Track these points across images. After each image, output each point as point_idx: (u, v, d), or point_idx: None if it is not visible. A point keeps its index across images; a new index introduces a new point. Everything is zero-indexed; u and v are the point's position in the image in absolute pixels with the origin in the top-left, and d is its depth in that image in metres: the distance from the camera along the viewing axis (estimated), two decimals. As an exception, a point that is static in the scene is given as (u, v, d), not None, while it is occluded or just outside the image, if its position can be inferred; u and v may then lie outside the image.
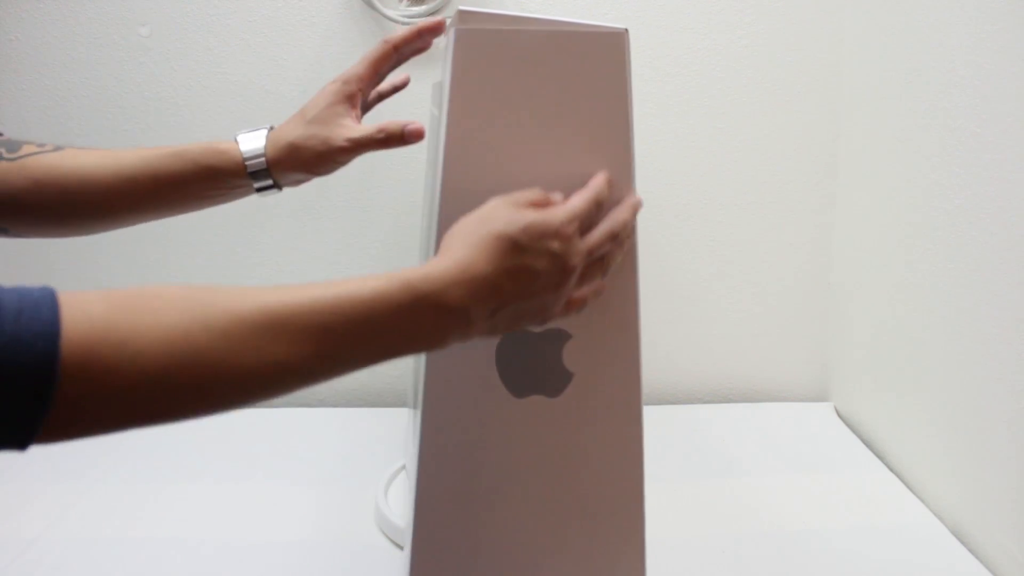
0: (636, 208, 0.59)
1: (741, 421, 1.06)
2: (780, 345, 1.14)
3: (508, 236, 0.49)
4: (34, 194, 0.60)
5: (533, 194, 0.54)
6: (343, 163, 0.63)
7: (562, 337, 0.61)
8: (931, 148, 0.86)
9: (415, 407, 0.71)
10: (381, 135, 0.59)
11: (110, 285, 1.16)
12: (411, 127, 0.58)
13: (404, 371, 1.09)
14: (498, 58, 0.57)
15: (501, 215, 0.51)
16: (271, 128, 0.65)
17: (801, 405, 1.12)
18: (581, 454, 0.62)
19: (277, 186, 0.65)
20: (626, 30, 0.58)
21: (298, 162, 0.62)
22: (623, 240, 0.58)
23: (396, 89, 0.72)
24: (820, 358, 1.14)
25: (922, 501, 0.87)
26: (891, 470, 0.93)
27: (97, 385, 0.37)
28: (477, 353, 0.60)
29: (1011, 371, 0.74)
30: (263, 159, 0.63)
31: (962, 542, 0.79)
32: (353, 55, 1.03)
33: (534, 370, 0.61)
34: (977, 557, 0.77)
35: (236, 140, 0.63)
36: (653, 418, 1.07)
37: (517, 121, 0.58)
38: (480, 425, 0.61)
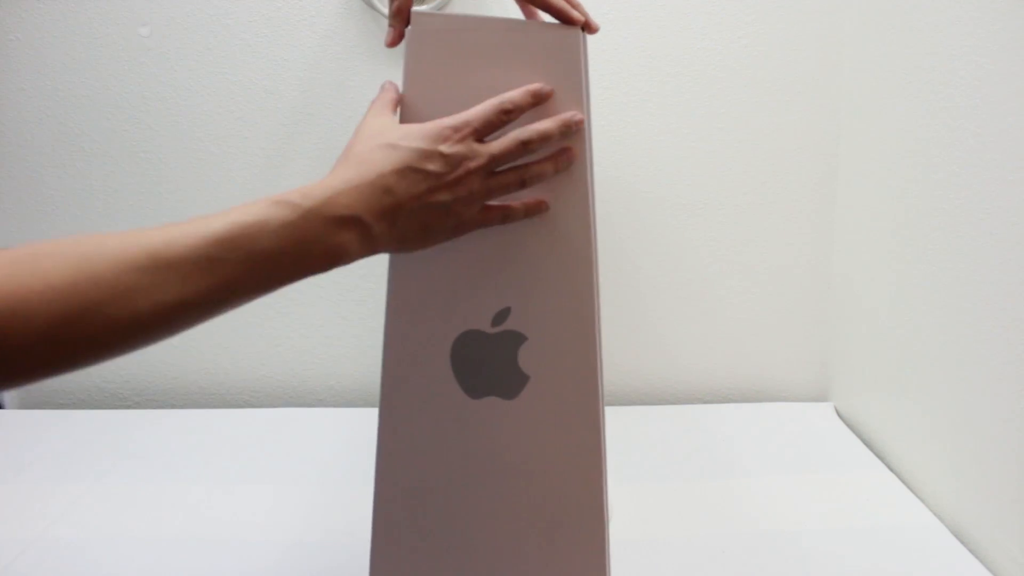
0: (566, 124, 0.56)
1: (741, 421, 1.06)
2: (780, 345, 1.14)
3: (390, 141, 0.50)
4: None
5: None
6: None
7: (517, 339, 0.60)
8: (931, 148, 0.86)
9: None
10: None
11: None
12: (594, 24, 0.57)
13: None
14: (451, 58, 0.57)
15: (377, 128, 0.52)
16: None
17: (801, 405, 1.12)
18: (537, 458, 0.61)
19: None
20: (581, 27, 0.58)
21: None
22: (555, 156, 0.56)
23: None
24: (820, 358, 1.14)
25: (922, 501, 0.87)
26: (891, 470, 0.93)
27: None
28: (433, 352, 0.60)
29: (1011, 371, 0.74)
30: None
31: (962, 542, 0.79)
32: (353, 55, 1.03)
33: (490, 371, 0.60)
34: (977, 557, 0.77)
35: None
36: (654, 418, 1.08)
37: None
38: (437, 425, 0.61)
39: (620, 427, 1.04)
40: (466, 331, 0.60)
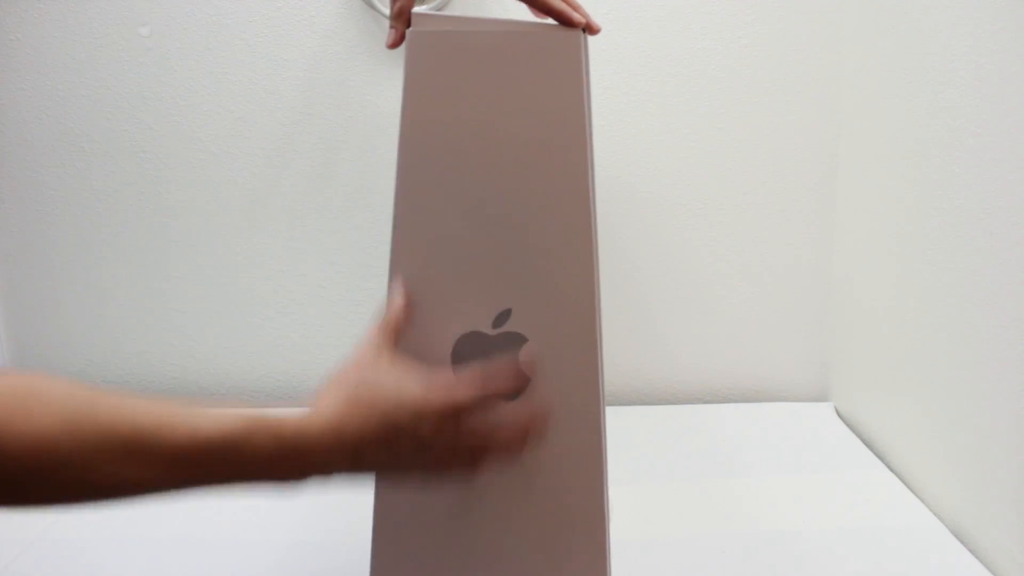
0: (527, 432, 0.57)
1: (741, 421, 1.06)
2: (780, 345, 1.14)
3: (380, 409, 0.51)
4: None
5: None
6: None
7: (518, 340, 0.60)
8: (931, 148, 0.86)
9: None
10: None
11: (110, 286, 1.15)
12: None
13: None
14: (451, 60, 0.57)
15: (379, 380, 0.53)
16: None
17: (801, 405, 1.12)
18: (539, 458, 0.61)
19: None
20: (583, 29, 0.58)
21: None
22: (525, 438, 0.57)
23: None
24: (820, 358, 1.14)
25: (922, 501, 0.87)
26: (891, 470, 0.93)
27: None
28: (434, 353, 0.60)
29: (1011, 371, 0.74)
30: None
31: (962, 542, 0.79)
32: (353, 55, 1.03)
33: None
34: (977, 557, 0.77)
35: None
36: (653, 418, 1.08)
37: (473, 123, 0.58)
38: None
39: (620, 427, 1.04)
40: (467, 333, 0.60)
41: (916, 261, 0.89)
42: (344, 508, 0.84)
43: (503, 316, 0.60)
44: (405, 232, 0.60)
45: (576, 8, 0.58)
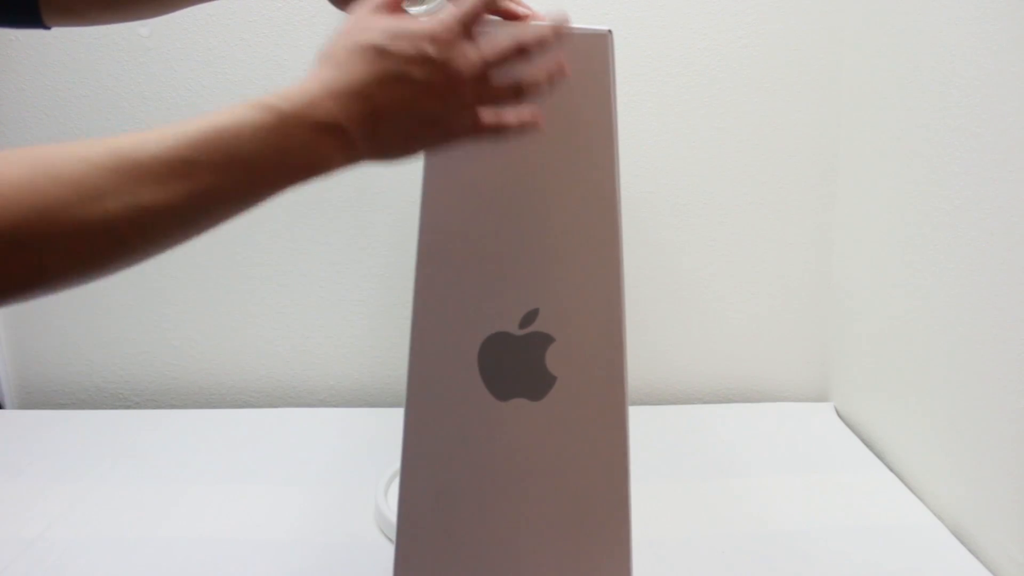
0: (558, 28, 0.50)
1: (741, 421, 1.06)
2: (780, 345, 1.14)
3: (372, 43, 0.46)
4: None
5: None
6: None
7: (545, 340, 0.60)
8: (931, 148, 0.86)
9: None
10: None
11: (110, 286, 1.14)
12: None
13: (404, 371, 1.09)
14: None
15: (363, 24, 0.48)
16: None
17: (801, 405, 1.12)
18: (564, 457, 0.62)
19: None
20: (609, 31, 0.57)
21: None
22: (550, 66, 0.51)
23: None
24: (820, 358, 1.14)
25: (922, 501, 0.87)
26: (891, 470, 0.93)
27: None
28: (460, 355, 0.60)
29: (1011, 371, 0.74)
30: None
31: (962, 542, 0.79)
32: (353, 55, 1.03)
33: (517, 373, 0.61)
34: (977, 557, 0.77)
35: None
36: (653, 418, 1.08)
37: None
38: (463, 427, 0.61)
39: (620, 427, 1.04)
40: (494, 333, 0.60)
41: (916, 261, 0.89)
42: (344, 508, 0.84)
43: (530, 316, 0.60)
44: (432, 232, 0.59)
45: (518, 3, 0.56)
